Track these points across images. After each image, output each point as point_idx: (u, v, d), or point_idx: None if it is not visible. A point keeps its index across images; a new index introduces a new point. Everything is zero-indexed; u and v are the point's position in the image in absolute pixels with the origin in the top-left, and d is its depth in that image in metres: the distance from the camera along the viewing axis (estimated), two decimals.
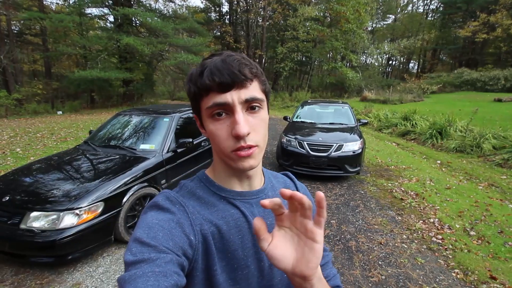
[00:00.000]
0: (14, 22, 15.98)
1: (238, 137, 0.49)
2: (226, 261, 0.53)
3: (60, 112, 13.61)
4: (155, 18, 15.35)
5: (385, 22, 35.88)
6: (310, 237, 0.41)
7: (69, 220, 2.25)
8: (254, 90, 0.51)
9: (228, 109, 0.50)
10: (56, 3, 19.09)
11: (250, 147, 0.50)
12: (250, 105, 0.51)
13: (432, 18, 32.05)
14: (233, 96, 0.49)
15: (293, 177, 0.73)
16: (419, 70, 32.20)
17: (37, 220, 2.24)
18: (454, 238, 3.08)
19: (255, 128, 0.51)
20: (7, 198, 2.42)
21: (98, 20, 18.31)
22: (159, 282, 0.39)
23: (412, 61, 36.25)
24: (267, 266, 0.57)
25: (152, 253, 0.43)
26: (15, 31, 16.58)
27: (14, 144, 6.64)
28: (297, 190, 0.70)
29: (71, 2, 15.95)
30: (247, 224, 0.56)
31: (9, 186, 2.62)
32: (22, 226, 2.23)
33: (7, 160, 5.38)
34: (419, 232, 3.22)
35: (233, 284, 0.53)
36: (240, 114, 0.49)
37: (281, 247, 0.42)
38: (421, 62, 33.55)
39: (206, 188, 0.58)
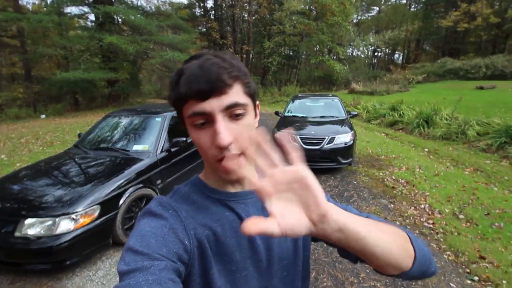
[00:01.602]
0: None
1: (221, 148, 0.47)
2: (223, 265, 0.52)
3: (44, 116, 13.18)
4: (138, 15, 14.98)
5: (369, 14, 36.38)
6: (297, 179, 0.35)
7: (65, 225, 2.22)
8: (235, 95, 0.48)
9: (209, 118, 0.47)
10: (33, 3, 18.40)
11: (238, 155, 0.48)
12: (233, 113, 0.48)
13: (415, 9, 32.68)
14: (212, 105, 0.46)
15: None
16: (404, 61, 32.86)
17: (32, 227, 2.19)
18: (444, 222, 3.21)
19: (239, 136, 0.48)
20: None
21: (78, 19, 17.70)
22: None
23: (397, 52, 36.98)
24: (265, 266, 0.56)
25: (146, 261, 0.42)
26: None
27: None
28: None
29: (49, 1, 15.33)
30: None
31: None
32: (17, 234, 2.18)
33: None
34: (411, 218, 3.34)
35: (231, 287, 0.53)
36: (221, 123, 0.46)
37: (287, 214, 0.35)
38: (406, 53, 34.23)
39: (200, 192, 0.57)
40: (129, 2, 17.52)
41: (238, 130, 0.48)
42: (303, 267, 0.64)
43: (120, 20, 16.03)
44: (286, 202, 0.36)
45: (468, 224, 3.18)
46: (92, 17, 16.56)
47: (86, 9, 15.94)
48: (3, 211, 2.33)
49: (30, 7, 18.14)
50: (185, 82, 0.47)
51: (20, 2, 15.70)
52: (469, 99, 10.15)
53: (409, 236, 0.49)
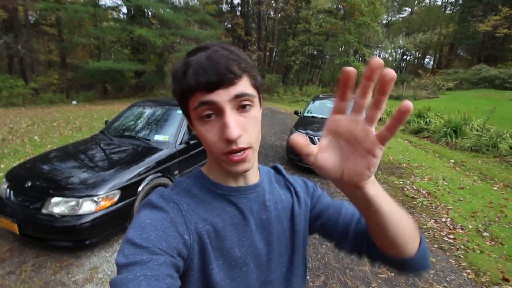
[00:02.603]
0: (31, 12, 16.29)
1: (229, 141, 0.46)
2: (223, 260, 0.52)
3: (75, 102, 13.92)
4: (167, 9, 15.37)
5: (401, 15, 34.86)
6: (369, 149, 0.34)
7: (88, 206, 2.34)
8: (243, 86, 0.47)
9: (216, 110, 0.46)
10: None
11: (243, 150, 0.47)
12: (240, 104, 0.47)
13: (451, 12, 30.88)
14: (221, 96, 0.45)
15: (281, 168, 0.70)
16: (435, 66, 31.25)
17: (58, 206, 2.33)
18: (466, 239, 3.05)
19: (246, 129, 0.48)
20: (29, 184, 2.52)
21: (112, 11, 18.46)
22: (150, 287, 0.38)
23: (428, 56, 35.21)
24: (264, 262, 0.56)
25: (145, 255, 0.42)
26: (32, 22, 16.91)
27: (32, 132, 6.86)
28: (289, 183, 0.66)
29: None
30: (245, 220, 0.55)
31: (30, 172, 2.73)
32: (44, 210, 2.33)
33: (26, 147, 5.58)
34: (431, 231, 3.20)
35: (231, 283, 0.52)
36: (230, 116, 0.46)
37: (330, 157, 0.37)
38: (437, 57, 32.52)
39: (201, 185, 0.56)
40: None
41: (245, 123, 0.48)
42: (302, 264, 0.64)
43: (150, 13, 16.53)
44: (341, 145, 0.37)
45: (493, 242, 3.00)
46: (124, 9, 17.23)
47: (119, 1, 16.60)
48: (33, 188, 2.49)
49: None
50: (193, 73, 0.46)
51: None
52: (504, 110, 9.51)
53: (416, 227, 0.51)
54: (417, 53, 33.73)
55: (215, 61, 0.45)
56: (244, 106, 0.48)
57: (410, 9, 34.12)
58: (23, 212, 2.39)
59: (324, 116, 5.72)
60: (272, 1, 20.60)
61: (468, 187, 4.51)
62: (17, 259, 2.44)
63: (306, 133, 4.88)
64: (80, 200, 2.33)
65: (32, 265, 2.38)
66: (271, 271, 0.57)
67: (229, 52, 0.47)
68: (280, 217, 0.60)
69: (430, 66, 33.15)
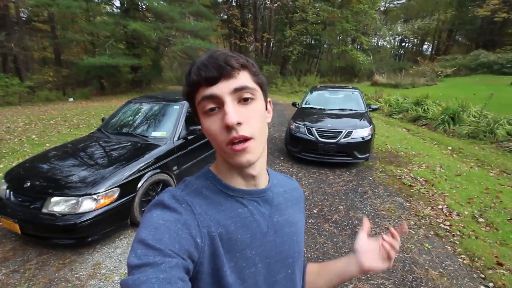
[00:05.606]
0: (22, 9, 15.99)
1: (228, 128, 0.48)
2: (235, 262, 0.52)
3: (71, 99, 13.84)
4: (161, 2, 15.09)
5: (398, 2, 34.26)
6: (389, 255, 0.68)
7: (87, 204, 2.37)
8: (243, 79, 0.50)
9: (218, 103, 0.49)
10: None
11: (245, 139, 0.49)
12: (241, 97, 0.50)
13: None
14: (221, 88, 0.48)
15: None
16: (433, 52, 30.95)
17: (58, 205, 2.36)
18: (462, 225, 3.10)
19: (248, 120, 0.50)
20: (28, 184, 2.55)
21: (105, 6, 18.14)
22: None
23: (426, 43, 34.78)
24: (273, 263, 0.58)
25: (157, 256, 0.42)
26: (24, 18, 16.61)
27: (29, 131, 6.85)
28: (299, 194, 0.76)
29: None
30: (255, 222, 0.56)
31: (29, 172, 2.75)
32: (44, 210, 2.36)
33: (24, 146, 5.58)
34: (427, 219, 3.25)
35: (241, 283, 0.53)
36: (229, 105, 0.48)
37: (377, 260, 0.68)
38: (436, 43, 32.18)
39: (212, 186, 0.56)
40: None
41: (247, 114, 0.50)
42: (302, 266, 0.69)
43: (143, 6, 16.24)
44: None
45: (488, 228, 3.05)
46: (117, 3, 16.94)
47: None
48: (32, 188, 2.51)
49: None
50: (195, 70, 0.50)
51: None
52: (502, 95, 9.48)
53: None
54: (415, 40, 33.34)
55: (215, 57, 0.50)
56: (246, 99, 0.50)
57: None
58: (24, 212, 2.42)
59: (322, 107, 5.72)
60: None
61: (464, 174, 4.55)
62: (20, 257, 2.49)
63: (304, 125, 4.89)
64: (80, 199, 2.36)
65: (35, 263, 2.43)
66: (277, 271, 0.59)
67: (228, 51, 0.52)
68: (289, 221, 0.63)
69: (428, 53, 32.84)
